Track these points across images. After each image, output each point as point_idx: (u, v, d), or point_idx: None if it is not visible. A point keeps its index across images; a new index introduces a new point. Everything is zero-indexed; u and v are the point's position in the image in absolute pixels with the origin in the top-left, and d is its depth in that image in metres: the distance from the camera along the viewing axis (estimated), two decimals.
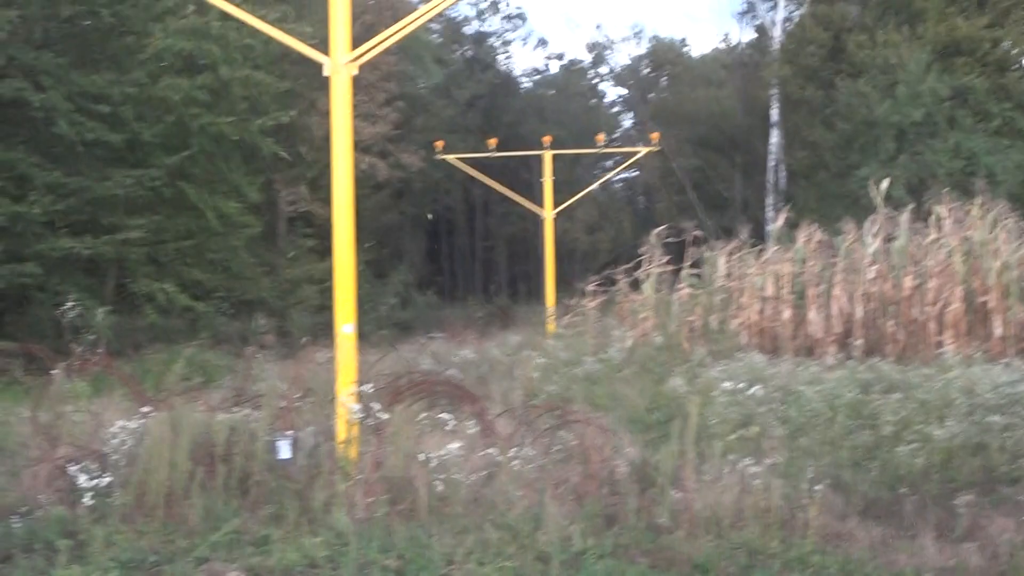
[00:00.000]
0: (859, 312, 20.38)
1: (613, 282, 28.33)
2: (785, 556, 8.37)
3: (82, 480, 9.32)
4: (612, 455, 10.25)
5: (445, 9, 14.39)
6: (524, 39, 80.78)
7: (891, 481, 10.79)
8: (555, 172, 39.19)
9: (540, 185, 64.29)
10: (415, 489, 9.24)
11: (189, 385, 21.12)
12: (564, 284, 40.92)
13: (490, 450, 9.93)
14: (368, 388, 11.11)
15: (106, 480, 9.39)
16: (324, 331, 37.11)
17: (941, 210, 21.21)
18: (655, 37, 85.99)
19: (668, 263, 26.56)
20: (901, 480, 10.78)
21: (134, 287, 32.76)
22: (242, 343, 34.02)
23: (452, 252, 72.82)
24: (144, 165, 31.75)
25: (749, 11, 64.96)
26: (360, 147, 45.63)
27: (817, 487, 9.34)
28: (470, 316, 47.97)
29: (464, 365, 20.02)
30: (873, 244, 21.54)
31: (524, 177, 63.35)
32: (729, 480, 9.75)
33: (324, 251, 45.30)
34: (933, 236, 20.63)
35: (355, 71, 12.18)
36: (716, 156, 66.03)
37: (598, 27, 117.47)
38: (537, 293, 72.52)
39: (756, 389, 13.63)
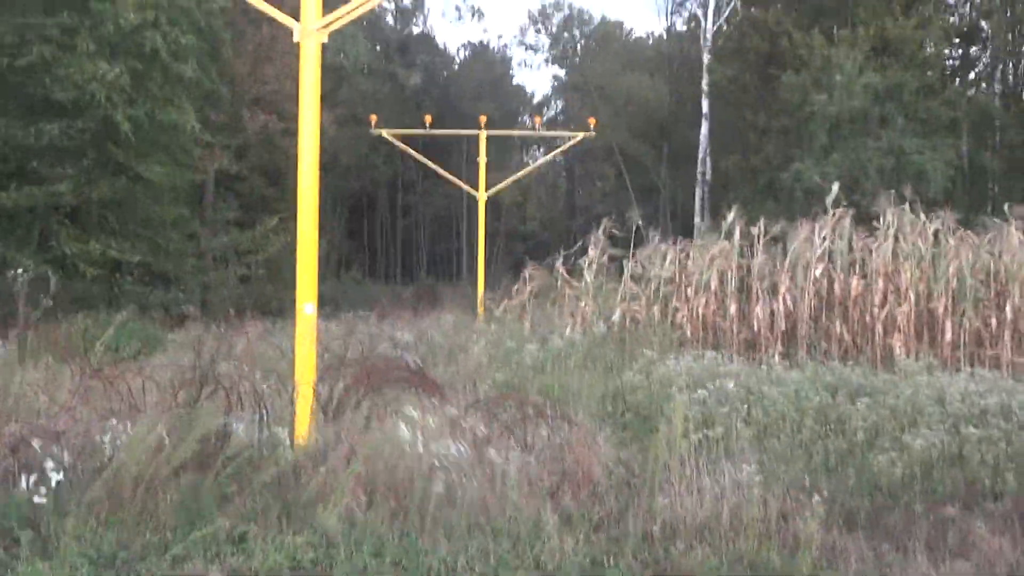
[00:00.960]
0: (805, 310, 20.18)
1: (549, 268, 27.98)
2: (788, 572, 8.01)
3: (46, 464, 8.67)
4: (590, 456, 9.81)
5: None
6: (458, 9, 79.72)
7: (869, 490, 10.52)
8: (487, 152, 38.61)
9: (466, 164, 64.34)
10: (404, 487, 8.74)
11: (123, 355, 20.65)
12: (491, 266, 40.36)
13: (479, 450, 9.40)
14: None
15: (55, 466, 8.74)
16: (247, 304, 36.55)
17: (888, 213, 21.01)
18: (586, 14, 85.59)
19: (606, 251, 26.30)
20: (879, 490, 10.51)
21: (60, 245, 31.97)
22: (165, 312, 33.44)
23: (374, 230, 72.00)
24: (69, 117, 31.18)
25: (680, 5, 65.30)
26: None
27: (816, 499, 8.95)
28: (397, 295, 47.37)
29: (405, 347, 19.48)
30: (821, 244, 21.35)
31: (452, 156, 62.74)
32: (708, 485, 9.43)
33: (246, 222, 44.55)
34: (882, 240, 20.45)
35: (324, 38, 11.69)
36: (644, 144, 65.98)
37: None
38: (460, 273, 72.46)
39: (721, 386, 13.36)
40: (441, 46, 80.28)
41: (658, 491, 9.29)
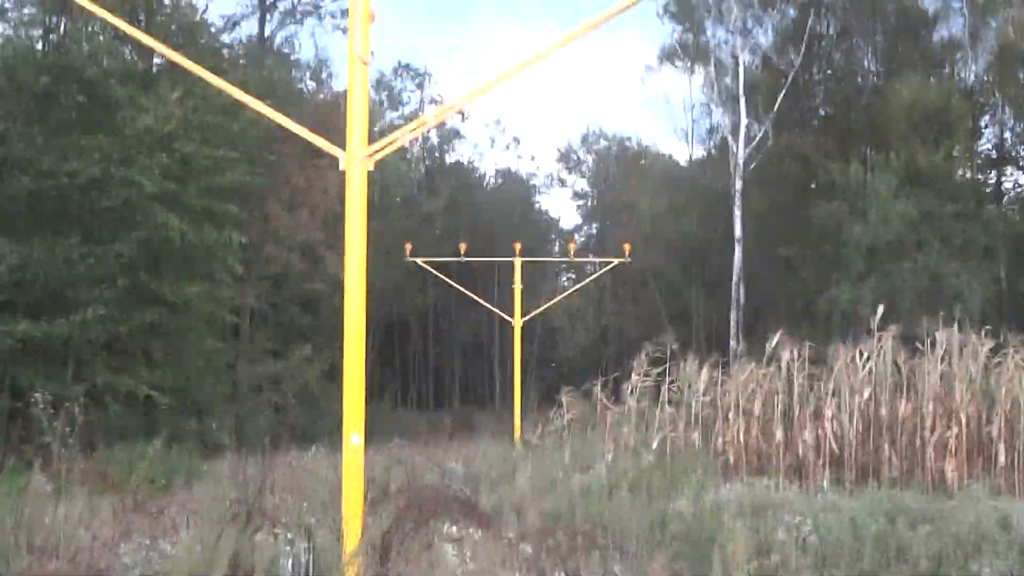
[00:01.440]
0: (852, 435, 19.84)
1: (586, 393, 27.76)
2: None
3: None
4: None
5: (461, 106, 13.97)
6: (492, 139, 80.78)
7: None
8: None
9: (498, 290, 64.41)
10: None
11: (160, 487, 20.46)
12: (524, 392, 40.08)
13: None
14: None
15: None
16: (281, 432, 36.38)
17: (939, 335, 20.77)
18: (615, 136, 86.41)
19: (648, 376, 26.12)
20: None
21: (95, 375, 31.93)
22: (199, 442, 33.27)
23: (406, 357, 71.90)
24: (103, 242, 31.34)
25: (711, 132, 65.81)
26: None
27: None
28: (432, 422, 47.11)
29: (451, 476, 19.16)
30: (864, 365, 21.11)
31: (482, 282, 62.80)
32: None
33: (281, 351, 44.61)
34: (933, 362, 20.16)
35: (371, 166, 11.65)
36: (677, 268, 65.97)
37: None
38: (493, 399, 72.16)
39: (775, 514, 13.03)
40: (471, 171, 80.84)
41: None
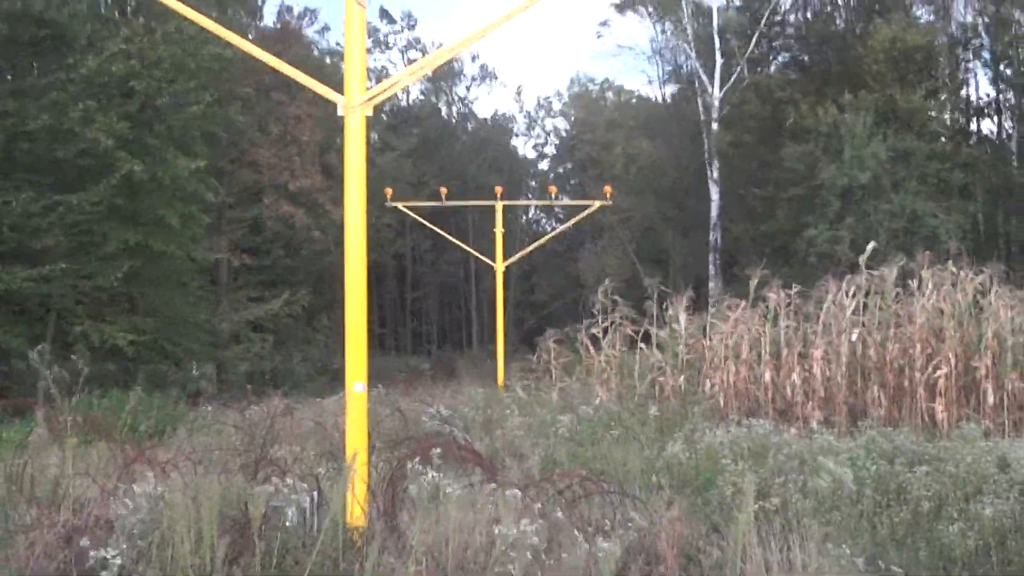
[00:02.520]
0: (839, 376, 19.93)
1: (567, 338, 27.79)
2: None
3: (94, 554, 8.30)
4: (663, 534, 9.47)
5: (457, 53, 13.78)
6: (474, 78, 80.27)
7: (942, 562, 10.19)
8: (494, 222, 38.44)
9: (474, 234, 64.25)
10: (476, 572, 8.42)
11: (145, 436, 20.36)
12: (505, 337, 40.02)
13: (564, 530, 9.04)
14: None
15: (116, 554, 8.39)
16: (262, 380, 36.33)
17: (924, 273, 20.84)
18: (585, 79, 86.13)
19: (629, 320, 26.18)
20: (953, 562, 10.18)
21: (69, 328, 31.65)
22: (181, 390, 33.16)
23: (383, 302, 71.74)
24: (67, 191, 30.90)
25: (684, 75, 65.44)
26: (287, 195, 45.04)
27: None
28: (412, 367, 47.14)
29: (447, 421, 19.17)
30: (852, 305, 21.21)
31: (459, 226, 62.65)
32: (779, 561, 9.13)
33: (263, 297, 44.46)
34: (921, 299, 20.23)
35: (369, 111, 11.51)
36: (652, 211, 65.80)
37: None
38: (470, 343, 72.19)
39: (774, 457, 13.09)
40: (445, 114, 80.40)
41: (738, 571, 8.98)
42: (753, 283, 24.23)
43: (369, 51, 71.47)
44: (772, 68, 56.10)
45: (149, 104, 32.41)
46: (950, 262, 21.02)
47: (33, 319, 32.45)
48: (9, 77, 32.74)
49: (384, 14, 76.54)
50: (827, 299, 21.58)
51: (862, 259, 22.09)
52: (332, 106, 11.46)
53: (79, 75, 30.77)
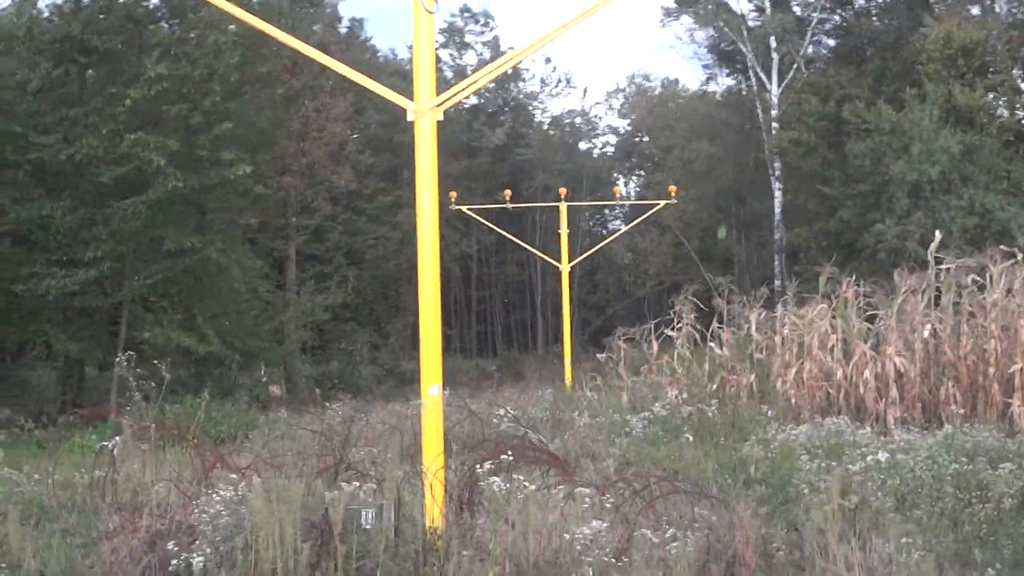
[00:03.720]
0: (914, 372, 19.69)
1: (634, 338, 27.72)
2: None
3: (178, 559, 8.43)
4: (743, 534, 9.43)
5: (526, 56, 13.79)
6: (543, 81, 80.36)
7: None
8: (558, 222, 38.42)
9: (539, 234, 64.30)
10: (555, 573, 8.43)
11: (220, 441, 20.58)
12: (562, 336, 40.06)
13: (637, 530, 9.04)
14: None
15: (200, 559, 8.51)
16: (332, 383, 36.58)
17: (995, 268, 20.55)
18: (644, 77, 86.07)
19: (696, 320, 26.13)
20: None
21: (138, 334, 32.01)
22: (251, 395, 33.52)
23: (447, 303, 71.90)
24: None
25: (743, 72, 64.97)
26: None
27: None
28: (479, 369, 47.29)
29: (524, 425, 19.18)
30: (924, 300, 20.99)
31: (524, 226, 62.74)
32: (861, 560, 9.06)
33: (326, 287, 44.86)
34: (994, 294, 19.96)
35: (440, 116, 11.54)
36: (713, 211, 65.54)
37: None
38: (535, 344, 72.25)
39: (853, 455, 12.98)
40: (521, 113, 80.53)
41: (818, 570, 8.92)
42: (822, 280, 24.02)
43: (440, 51, 72.23)
44: (828, 66, 55.43)
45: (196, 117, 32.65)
46: (1021, 256, 20.71)
47: (99, 329, 32.88)
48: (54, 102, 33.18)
49: (466, 12, 77.30)
50: (899, 294, 21.34)
51: (930, 251, 21.85)
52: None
53: (124, 106, 31.17)
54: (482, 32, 78.41)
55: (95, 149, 30.85)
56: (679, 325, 25.80)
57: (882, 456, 12.79)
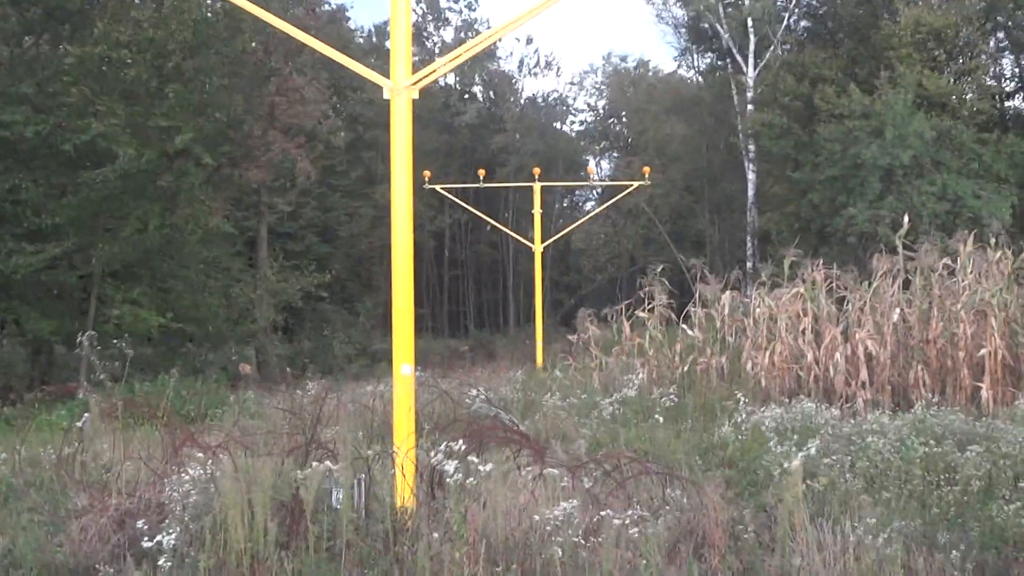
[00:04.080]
0: (886, 355, 19.81)
1: (606, 318, 27.76)
2: None
3: (148, 538, 8.39)
4: (711, 515, 9.47)
5: (504, 35, 13.73)
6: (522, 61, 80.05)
7: (995, 542, 10.13)
8: (531, 202, 38.39)
9: (512, 213, 64.33)
10: (524, 554, 8.44)
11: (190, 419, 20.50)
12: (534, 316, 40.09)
13: (604, 511, 9.02)
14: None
15: (170, 538, 8.46)
16: (300, 362, 36.47)
17: (965, 250, 20.70)
18: (620, 58, 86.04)
19: (668, 302, 26.19)
20: (1007, 542, 10.11)
21: (107, 312, 31.63)
22: (222, 373, 33.36)
23: (419, 281, 71.71)
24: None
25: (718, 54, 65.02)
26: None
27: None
28: (450, 349, 47.28)
29: (495, 404, 19.19)
30: (894, 284, 21.13)
31: (498, 205, 62.68)
32: (831, 541, 9.12)
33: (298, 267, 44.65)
34: (965, 279, 20.10)
35: (416, 95, 11.49)
36: (687, 191, 65.63)
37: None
38: (507, 324, 72.31)
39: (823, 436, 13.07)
40: (484, 94, 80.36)
41: (788, 551, 8.97)
42: (786, 263, 24.19)
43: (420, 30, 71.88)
44: (804, 48, 55.50)
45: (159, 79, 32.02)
46: (993, 241, 20.88)
47: (70, 306, 32.53)
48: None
49: None
50: (875, 277, 21.49)
51: (898, 236, 22.00)
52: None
53: (67, 64, 30.69)
54: (461, 11, 78.12)
55: (61, 118, 30.36)
56: (650, 306, 25.80)
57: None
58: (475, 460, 9.54)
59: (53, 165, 30.81)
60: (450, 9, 77.87)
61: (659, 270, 26.71)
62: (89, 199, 30.57)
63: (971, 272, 20.26)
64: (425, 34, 76.30)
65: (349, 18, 51.19)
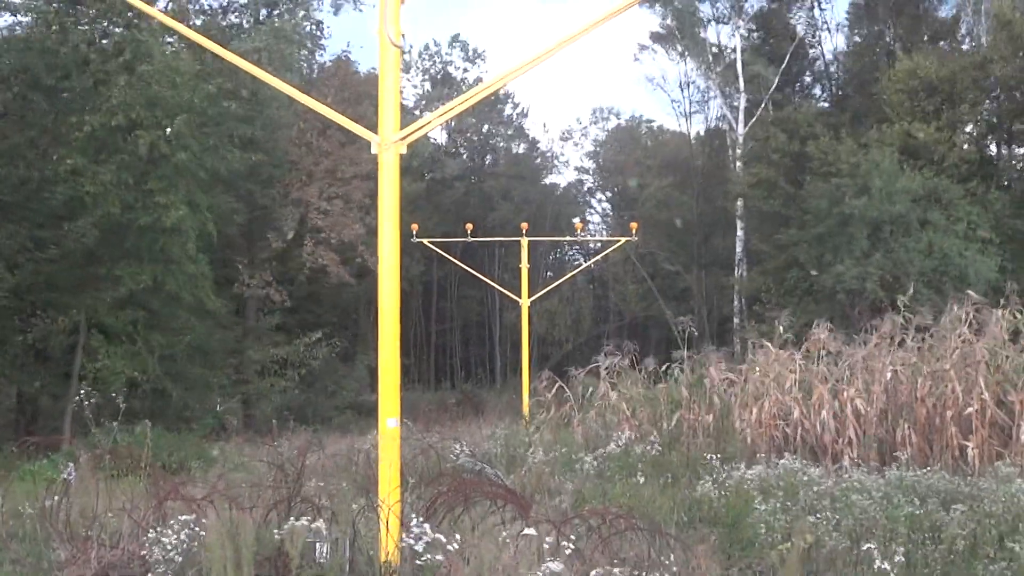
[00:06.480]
0: (872, 413, 19.82)
1: (591, 374, 27.73)
2: None
3: None
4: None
5: (495, 91, 13.85)
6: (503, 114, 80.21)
7: None
8: (519, 256, 38.40)
9: (499, 268, 64.38)
10: None
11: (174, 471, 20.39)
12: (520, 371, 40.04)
13: (592, 572, 8.96)
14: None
15: None
16: (288, 415, 36.35)
17: (959, 312, 20.77)
18: (613, 113, 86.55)
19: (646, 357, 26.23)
20: None
21: (91, 364, 31.48)
22: (207, 424, 33.23)
23: (405, 334, 71.56)
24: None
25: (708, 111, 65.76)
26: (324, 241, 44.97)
27: None
28: (439, 401, 47.20)
29: (480, 459, 19.15)
30: (884, 342, 21.19)
31: (484, 259, 62.78)
32: None
33: (290, 325, 44.58)
34: (957, 340, 20.13)
35: (403, 149, 11.54)
36: (675, 247, 65.81)
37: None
38: (494, 378, 72.17)
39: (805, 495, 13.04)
40: (472, 150, 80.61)
41: None
42: (781, 321, 24.23)
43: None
44: (796, 103, 56.06)
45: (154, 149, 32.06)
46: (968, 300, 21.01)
47: (56, 363, 32.41)
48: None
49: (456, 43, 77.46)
50: (859, 337, 21.56)
51: (901, 300, 22.00)
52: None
53: (81, 134, 30.85)
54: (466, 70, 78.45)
55: (46, 171, 30.52)
56: (639, 366, 25.83)
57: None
58: (459, 514, 9.51)
59: (39, 218, 30.82)
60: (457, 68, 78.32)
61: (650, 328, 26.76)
62: (74, 252, 30.61)
63: (963, 330, 20.30)
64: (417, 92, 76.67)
65: (356, 63, 50.99)
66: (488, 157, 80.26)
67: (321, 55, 51.06)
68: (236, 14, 45.49)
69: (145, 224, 31.07)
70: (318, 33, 48.15)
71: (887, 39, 56.73)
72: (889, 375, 19.96)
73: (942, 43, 53.89)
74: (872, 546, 10.78)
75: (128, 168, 31.21)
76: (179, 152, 31.78)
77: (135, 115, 30.90)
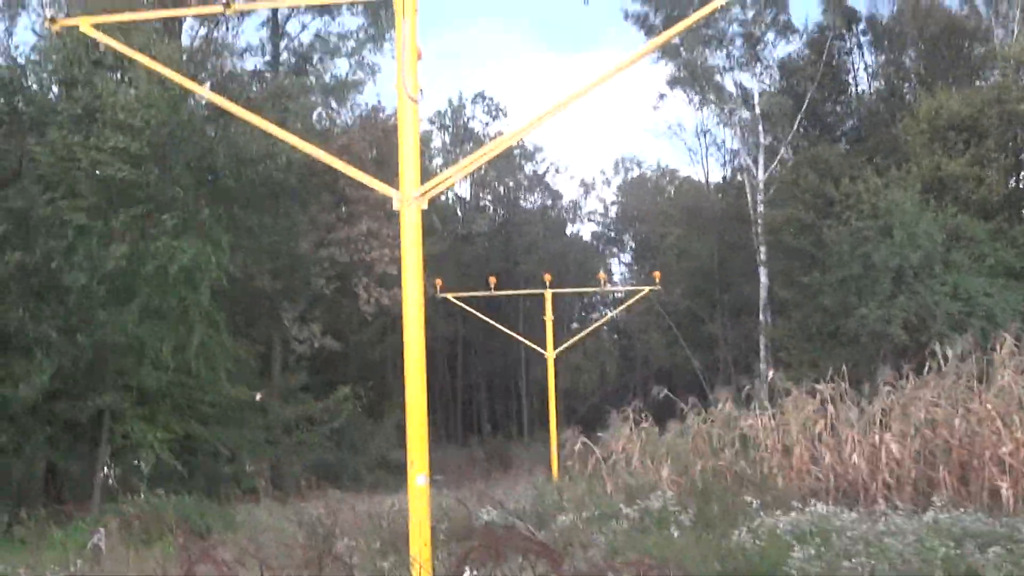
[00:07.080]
0: (907, 456, 19.61)
1: (621, 422, 27.58)
2: None
3: None
4: None
5: (512, 144, 13.92)
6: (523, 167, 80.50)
7: None
8: (543, 308, 38.42)
9: (524, 320, 64.30)
10: None
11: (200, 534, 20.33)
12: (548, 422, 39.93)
13: None
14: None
15: None
16: (317, 473, 36.27)
17: (1001, 355, 20.55)
18: (634, 163, 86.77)
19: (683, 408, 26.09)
20: None
21: (126, 437, 31.44)
22: (236, 486, 33.15)
23: (432, 388, 71.46)
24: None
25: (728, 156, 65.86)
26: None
27: None
28: (465, 456, 47.09)
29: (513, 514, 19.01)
30: (926, 386, 20.95)
31: (509, 312, 62.76)
32: None
33: (315, 385, 44.50)
34: (999, 381, 19.92)
35: (424, 205, 11.60)
36: (698, 295, 65.72)
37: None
38: (522, 431, 71.97)
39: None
40: (495, 203, 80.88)
41: None
42: (804, 366, 24.07)
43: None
44: (815, 146, 56.00)
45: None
46: (1008, 341, 20.76)
47: (82, 430, 32.38)
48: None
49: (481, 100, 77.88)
50: (886, 379, 21.38)
51: (948, 351, 21.57)
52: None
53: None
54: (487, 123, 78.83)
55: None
56: (667, 417, 25.71)
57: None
58: (491, 570, 9.44)
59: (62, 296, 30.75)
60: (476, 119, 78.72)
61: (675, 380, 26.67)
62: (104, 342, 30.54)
63: (996, 371, 20.11)
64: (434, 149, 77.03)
65: (384, 108, 51.15)
66: (511, 211, 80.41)
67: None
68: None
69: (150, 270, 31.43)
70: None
71: (911, 80, 56.95)
72: (923, 415, 19.74)
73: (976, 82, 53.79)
74: None
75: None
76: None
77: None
